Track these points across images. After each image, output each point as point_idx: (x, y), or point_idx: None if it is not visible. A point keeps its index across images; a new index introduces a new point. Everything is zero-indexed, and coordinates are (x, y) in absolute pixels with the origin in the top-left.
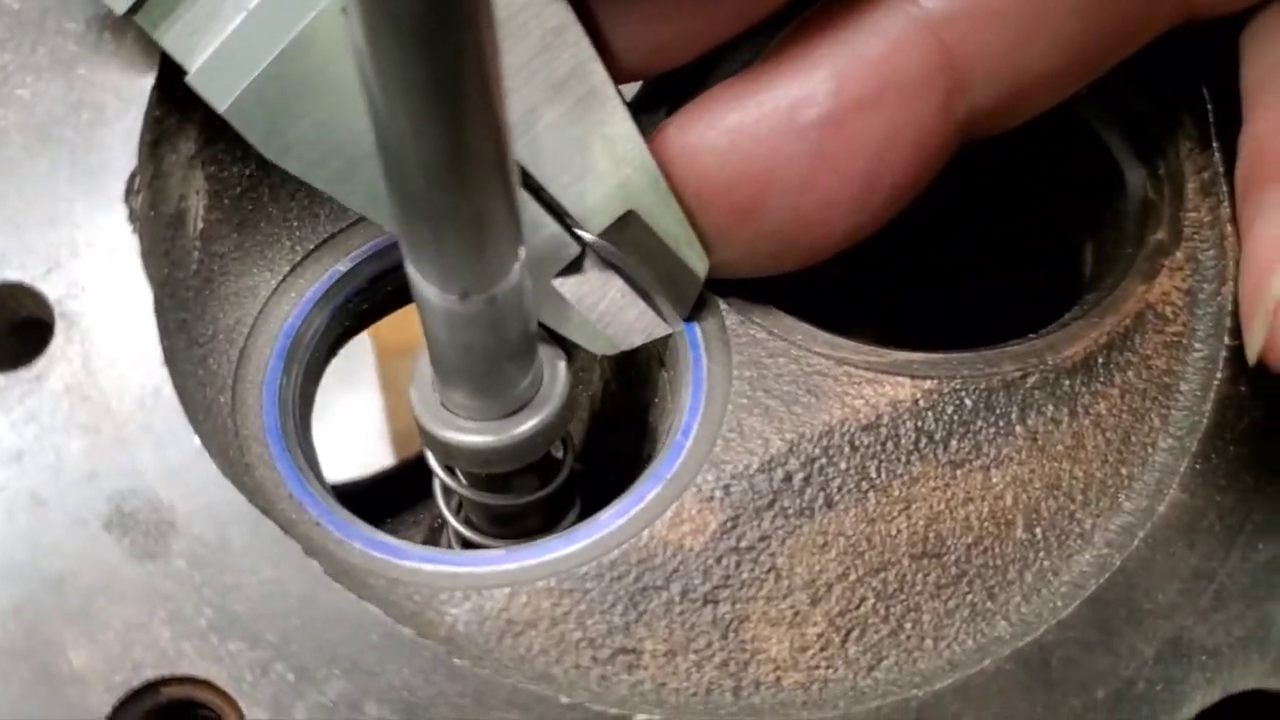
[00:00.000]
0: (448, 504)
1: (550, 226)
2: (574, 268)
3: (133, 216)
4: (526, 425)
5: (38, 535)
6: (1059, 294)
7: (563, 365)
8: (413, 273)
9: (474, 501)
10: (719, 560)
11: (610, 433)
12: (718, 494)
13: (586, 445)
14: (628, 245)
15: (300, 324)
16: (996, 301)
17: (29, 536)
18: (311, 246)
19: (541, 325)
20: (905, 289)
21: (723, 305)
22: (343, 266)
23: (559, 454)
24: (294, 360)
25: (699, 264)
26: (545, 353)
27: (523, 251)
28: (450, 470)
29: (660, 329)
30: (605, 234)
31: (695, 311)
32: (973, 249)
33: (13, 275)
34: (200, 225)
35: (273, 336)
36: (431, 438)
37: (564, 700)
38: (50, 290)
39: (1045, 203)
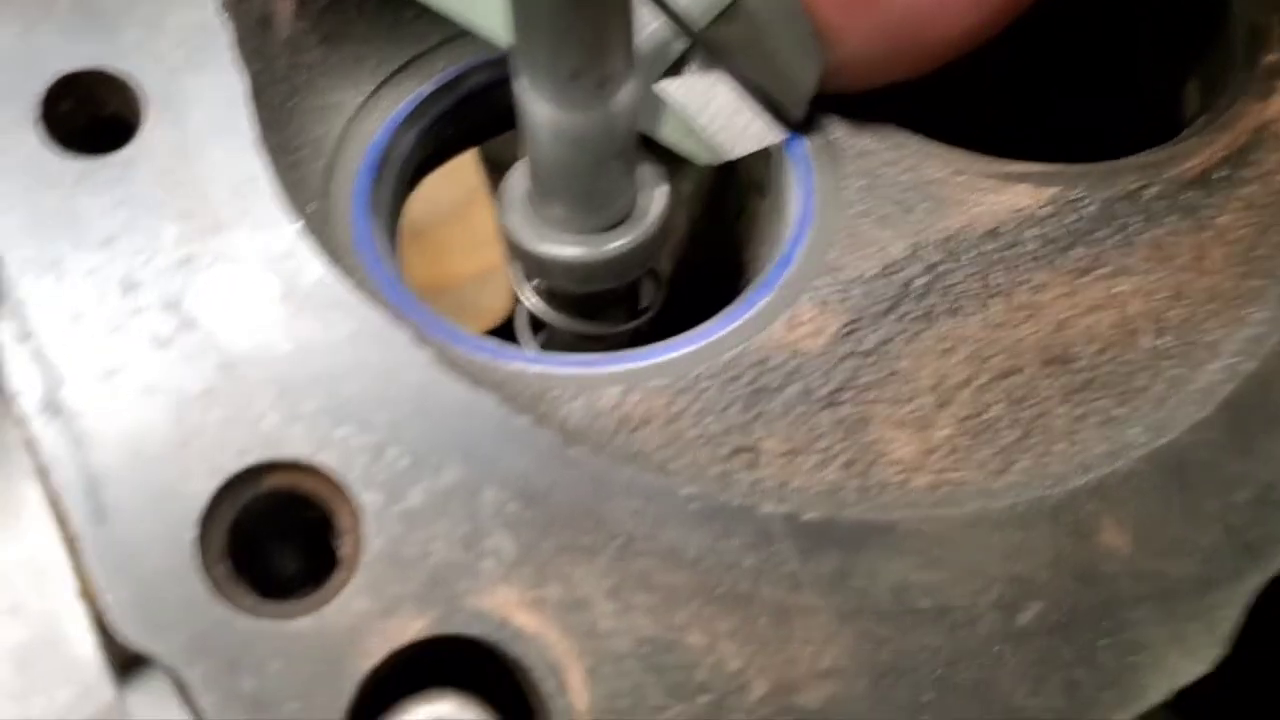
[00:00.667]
0: (534, 339)
1: (655, 22)
2: (680, 67)
3: (223, 6)
4: (624, 240)
5: None
6: (1160, 131)
7: (662, 184)
8: (520, 65)
9: (561, 333)
10: (839, 363)
11: (700, 269)
12: (835, 298)
13: (675, 282)
14: (736, 41)
15: (387, 142)
16: (1099, 132)
17: None
18: (395, 68)
19: (644, 142)
20: (1007, 113)
21: (829, 120)
22: (427, 89)
23: (649, 287)
24: (382, 177)
25: (811, 61)
26: (645, 172)
27: (632, 34)
28: (541, 299)
29: (770, 136)
30: (712, 27)
31: (801, 127)
32: (1076, 80)
33: (101, 61)
34: (287, 32)
35: (360, 153)
36: (526, 254)
37: (685, 490)
38: (142, 76)
39: (1150, 34)
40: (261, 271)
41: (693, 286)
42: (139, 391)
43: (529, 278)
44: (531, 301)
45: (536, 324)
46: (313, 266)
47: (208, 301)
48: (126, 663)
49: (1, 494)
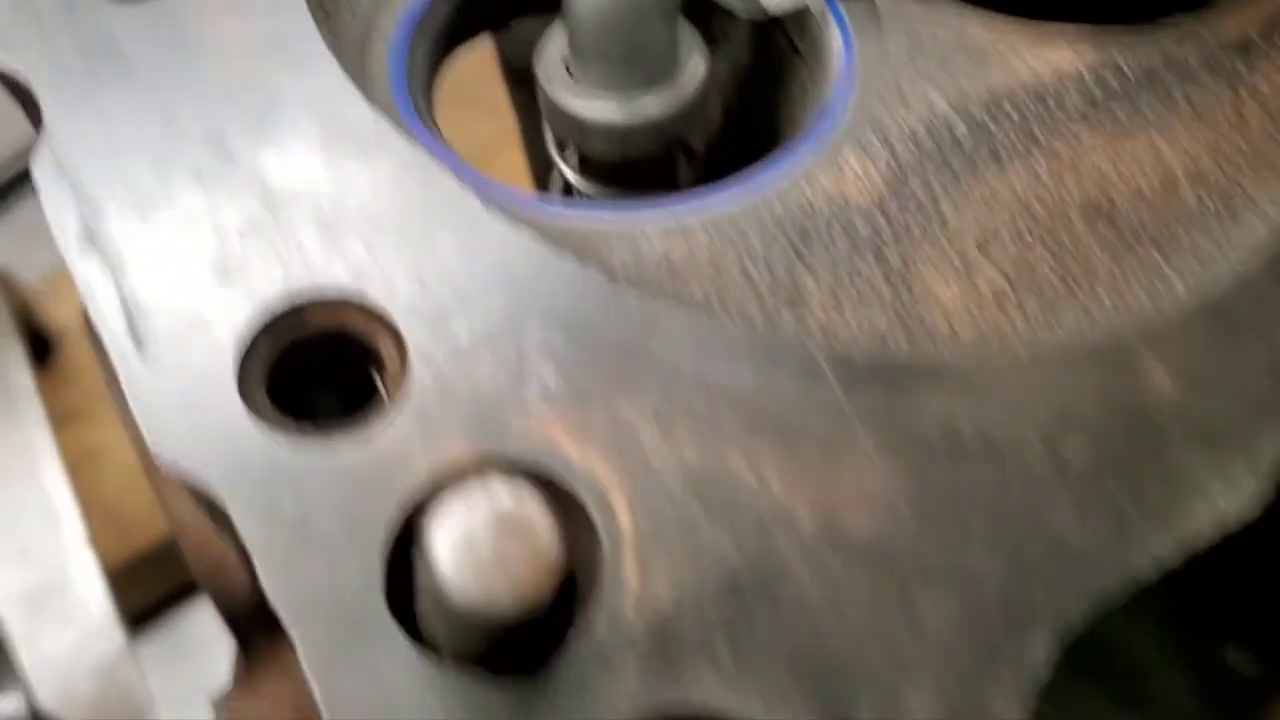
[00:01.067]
0: None
1: None
2: None
3: None
4: (663, 100)
5: None
6: None
7: (701, 48)
8: None
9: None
10: (884, 213)
11: (736, 146)
12: (881, 150)
13: (710, 161)
14: None
15: (424, 9)
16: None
17: None
18: None
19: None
20: None
21: None
22: None
23: (685, 167)
24: (418, 42)
25: None
26: (685, 36)
27: None
28: (574, 170)
29: None
30: None
31: None
32: None
33: None
34: None
35: (395, 19)
36: (564, 115)
37: (733, 328)
38: None
39: None
40: (303, 110)
41: (727, 165)
42: (180, 224)
43: (563, 145)
44: (567, 173)
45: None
46: (355, 106)
47: (250, 138)
48: (138, 616)
49: (13, 443)
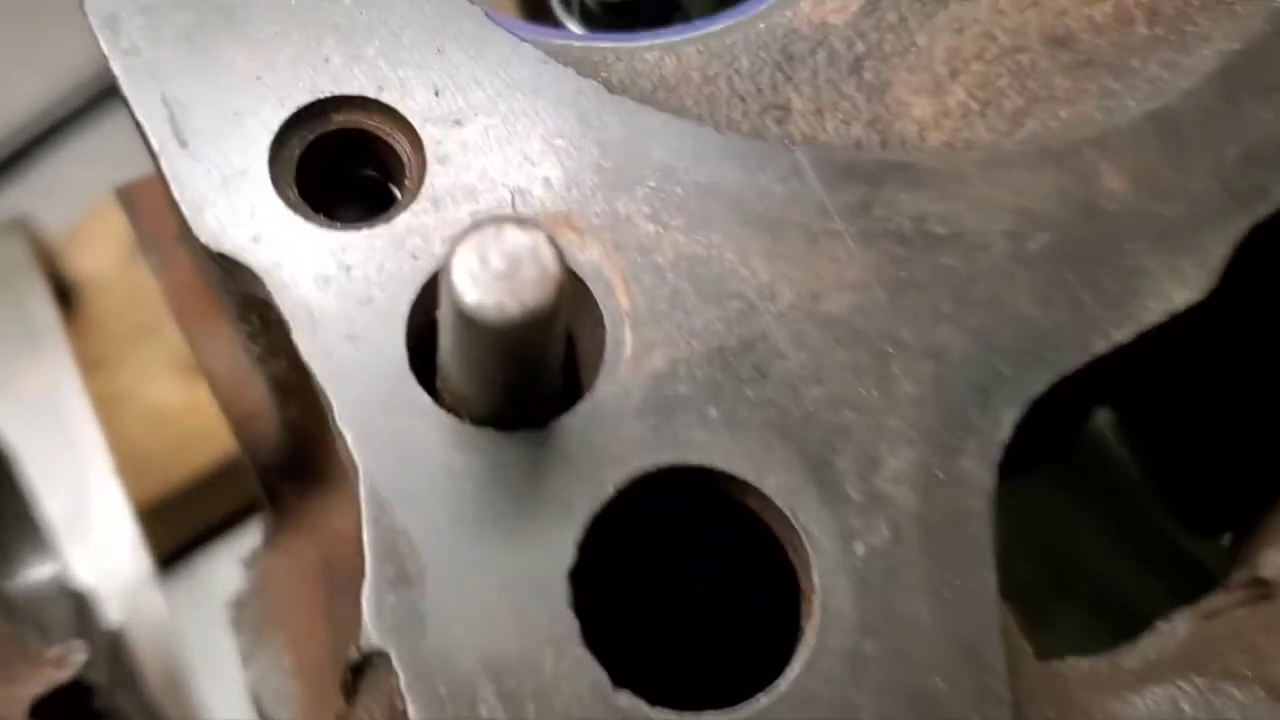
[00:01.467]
0: None
1: None
2: None
3: None
4: None
5: None
6: None
7: None
8: None
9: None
10: (861, 35)
11: None
12: None
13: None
14: None
15: None
16: None
17: None
18: None
19: None
20: None
21: None
22: None
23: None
24: None
25: None
26: None
27: None
28: (577, 16)
29: None
30: None
31: None
32: None
33: None
34: None
35: None
36: None
37: (725, 132)
38: None
39: None
40: None
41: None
42: (208, 27)
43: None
44: (568, 23)
45: None
46: None
47: None
48: (159, 560)
49: (41, 379)
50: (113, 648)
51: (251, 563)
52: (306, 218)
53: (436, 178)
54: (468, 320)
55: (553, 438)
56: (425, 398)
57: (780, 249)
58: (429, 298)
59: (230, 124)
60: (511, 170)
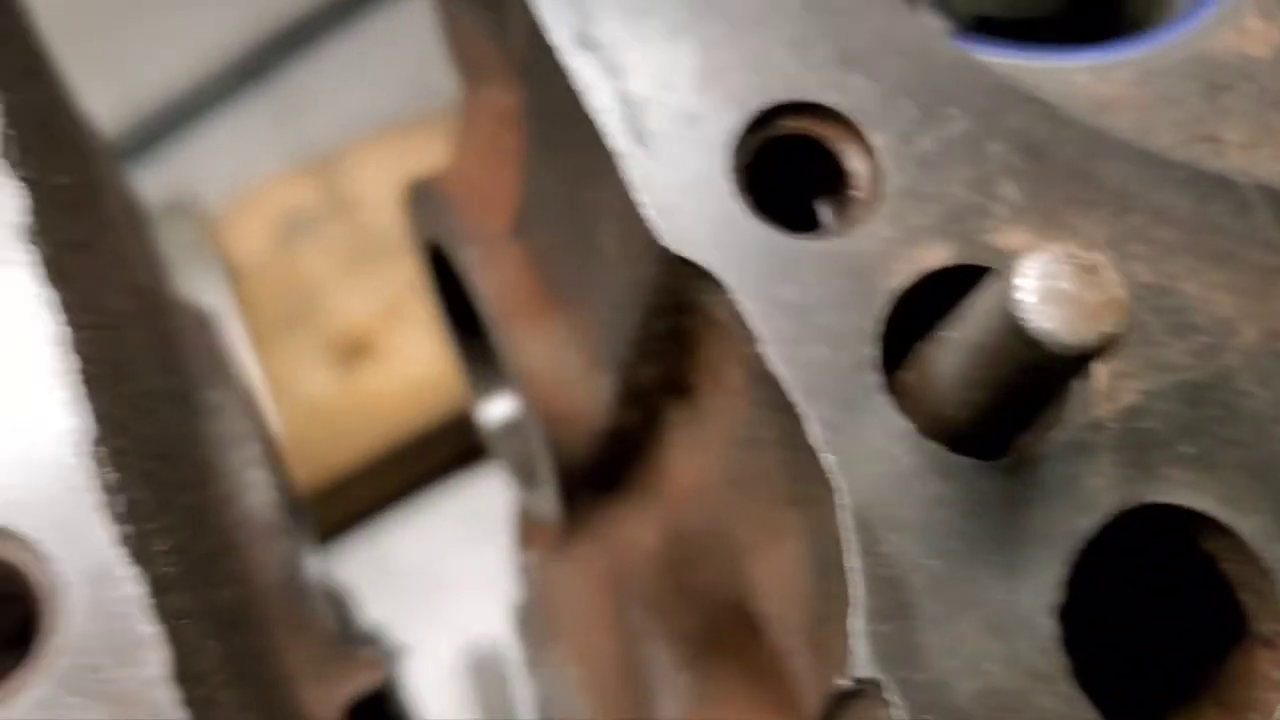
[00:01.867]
0: None
1: None
2: None
3: None
4: None
5: None
6: None
7: None
8: None
9: None
10: None
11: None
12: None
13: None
14: None
15: None
16: None
17: None
18: None
19: None
20: None
21: None
22: None
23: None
24: None
25: None
26: None
27: None
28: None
29: None
30: None
31: None
32: None
33: None
34: None
35: None
36: None
37: (1174, 159)
38: None
39: None
40: None
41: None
42: (667, 32)
43: (935, 3)
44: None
45: None
46: None
47: None
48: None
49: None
50: (373, 643)
51: (536, 567)
52: (766, 225)
53: (892, 191)
54: (1030, 345)
55: (1029, 469)
56: (903, 421)
57: (1237, 284)
58: (899, 314)
59: (685, 125)
60: (967, 186)
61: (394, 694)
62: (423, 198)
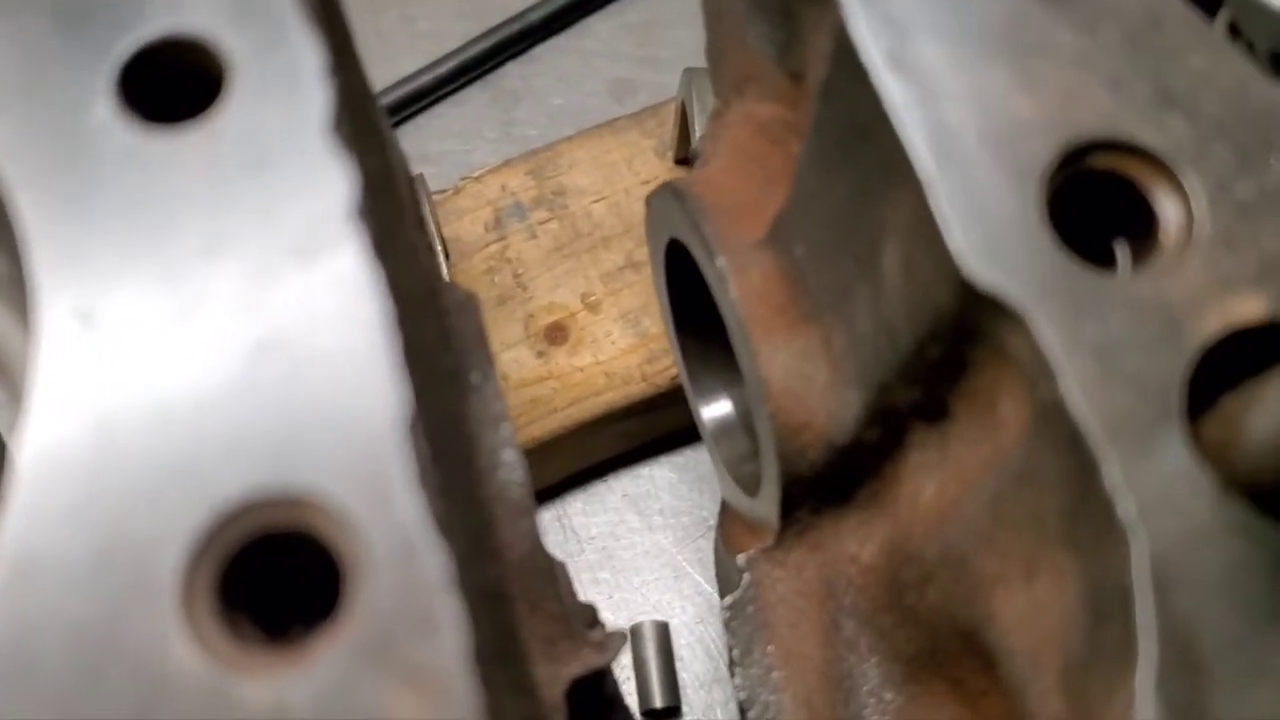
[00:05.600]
0: None
1: None
2: None
3: None
4: None
5: None
6: None
7: None
8: None
9: None
10: None
11: None
12: None
13: None
14: None
15: None
16: None
17: None
18: None
19: None
20: None
21: None
22: None
23: None
24: None
25: None
26: None
27: None
28: None
29: None
30: None
31: None
32: None
33: None
34: None
35: None
36: (1266, 13)
37: None
38: None
39: None
40: None
41: None
42: (984, 58)
43: (1234, 38)
44: None
45: None
46: None
47: None
48: None
49: None
50: (592, 620)
51: (749, 566)
52: (1074, 260)
53: (1205, 237)
54: None
55: None
56: (1206, 477)
57: None
58: (1205, 364)
59: (997, 153)
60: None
61: (610, 674)
62: (672, 200)
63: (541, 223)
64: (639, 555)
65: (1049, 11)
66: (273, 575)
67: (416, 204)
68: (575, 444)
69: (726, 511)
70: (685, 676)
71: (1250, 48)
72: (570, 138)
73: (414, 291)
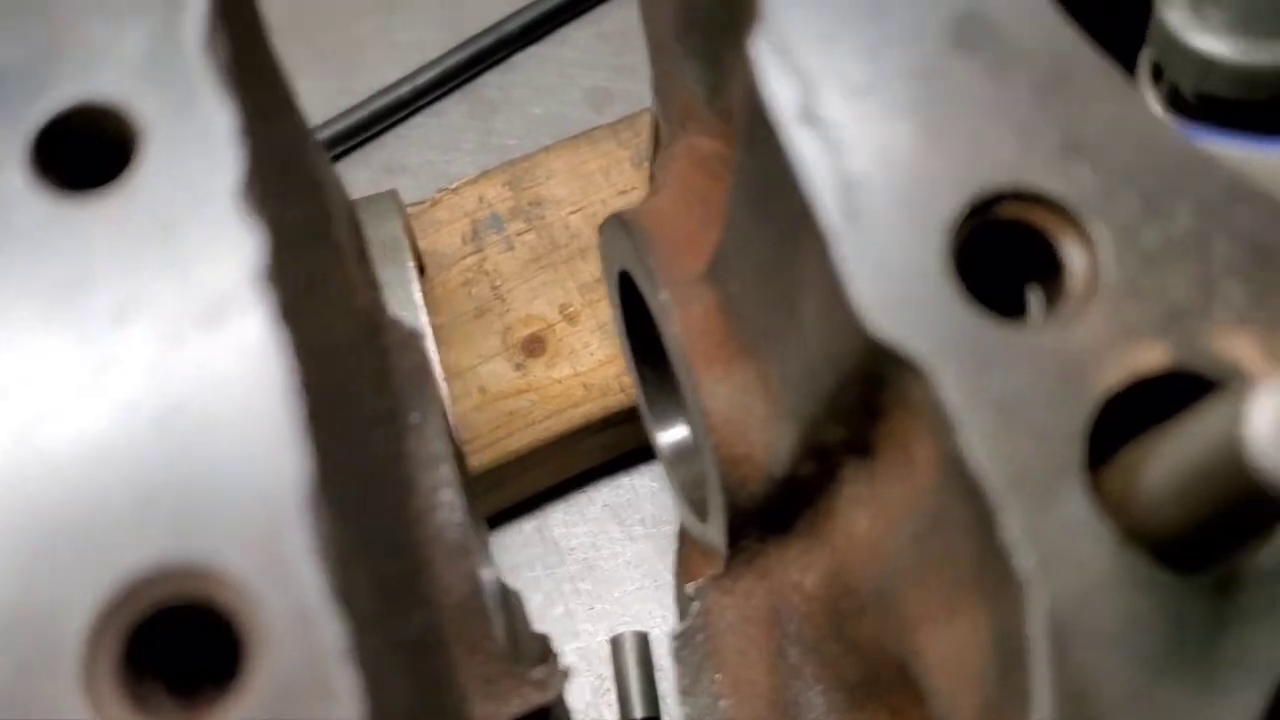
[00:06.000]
0: None
1: None
2: None
3: None
4: None
5: None
6: None
7: None
8: None
9: None
10: None
11: None
12: None
13: None
14: None
15: None
16: None
17: None
18: None
19: None
20: None
21: None
22: None
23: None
24: None
25: None
26: None
27: None
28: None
29: None
30: None
31: None
32: None
33: None
34: None
35: None
36: (1184, 50)
37: None
38: None
39: None
40: (1011, 20)
41: None
42: (890, 111)
43: (1158, 78)
44: (1152, 104)
45: None
46: (1053, 20)
47: (955, 43)
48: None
49: None
50: (543, 653)
51: (699, 595)
52: (978, 313)
53: (1110, 286)
54: (1256, 483)
55: (1235, 589)
56: (1105, 528)
57: None
58: (1106, 414)
59: (902, 207)
60: (1189, 286)
61: (560, 707)
62: (620, 231)
63: (519, 234)
64: (620, 565)
65: (958, 61)
66: (184, 640)
67: (359, 239)
68: (555, 456)
69: (684, 538)
70: (666, 687)
71: (1175, 90)
72: (547, 149)
73: (344, 336)
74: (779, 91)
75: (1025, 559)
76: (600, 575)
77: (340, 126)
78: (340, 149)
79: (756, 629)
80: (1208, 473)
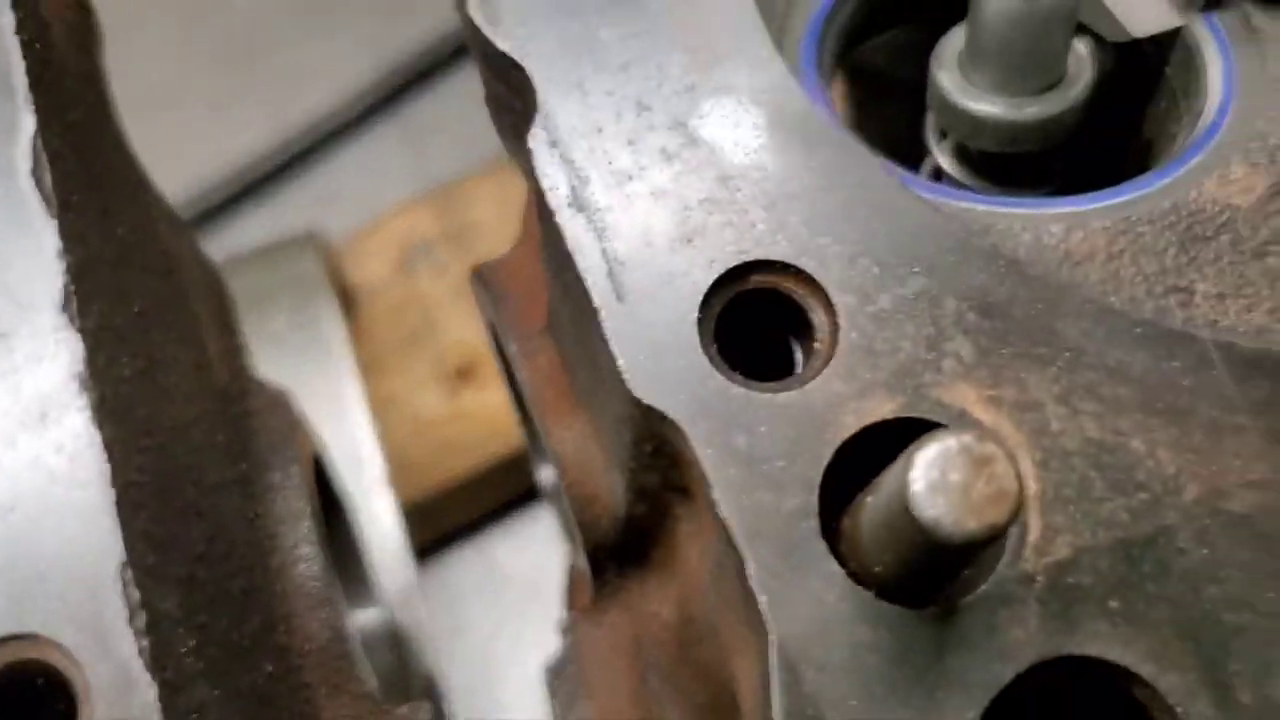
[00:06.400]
0: None
1: None
2: None
3: None
4: (1052, 104)
5: None
6: None
7: (1090, 56)
8: None
9: None
10: (1266, 219)
11: (1095, 152)
12: (1264, 160)
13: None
14: None
15: (830, 9)
16: None
17: None
18: None
19: None
20: None
21: (1243, 6)
22: None
23: (1057, 166)
24: (825, 41)
25: None
26: (1075, 44)
27: None
28: (950, 156)
29: (1174, 19)
30: None
31: (1215, 11)
32: None
33: None
34: None
35: (805, 21)
36: (954, 110)
37: (1134, 317)
38: None
39: None
40: (754, 101)
41: (1088, 168)
42: (650, 195)
43: (944, 134)
44: (941, 160)
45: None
46: (798, 99)
47: (708, 124)
48: (423, 549)
49: (326, 389)
50: (427, 689)
51: (569, 629)
52: (726, 376)
53: (848, 346)
54: (920, 529)
55: (956, 617)
56: (838, 569)
57: (1186, 440)
58: (847, 463)
59: (661, 284)
60: (921, 344)
61: None
62: (481, 284)
63: (448, 260)
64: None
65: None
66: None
67: (224, 309)
68: (492, 481)
69: (571, 570)
70: None
71: (962, 147)
72: (474, 175)
73: (187, 415)
74: (553, 181)
75: (762, 600)
76: (547, 598)
77: (272, 159)
78: (272, 180)
79: (623, 659)
80: (890, 522)
